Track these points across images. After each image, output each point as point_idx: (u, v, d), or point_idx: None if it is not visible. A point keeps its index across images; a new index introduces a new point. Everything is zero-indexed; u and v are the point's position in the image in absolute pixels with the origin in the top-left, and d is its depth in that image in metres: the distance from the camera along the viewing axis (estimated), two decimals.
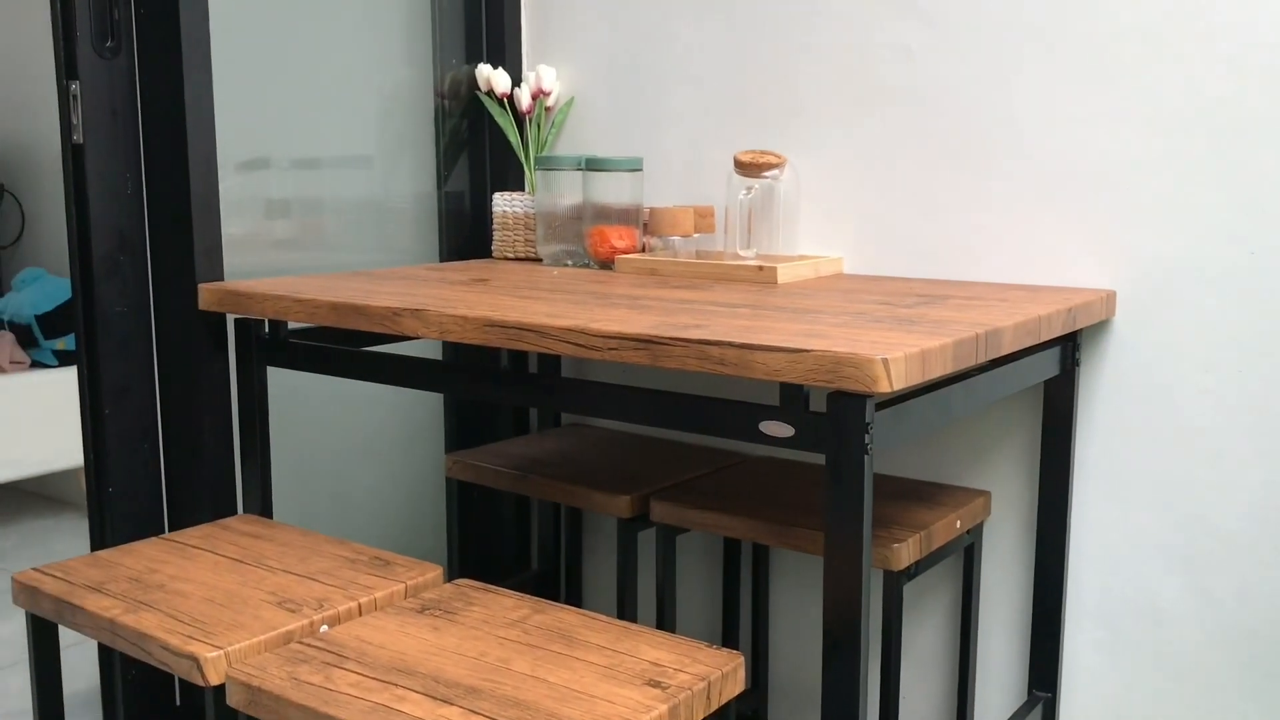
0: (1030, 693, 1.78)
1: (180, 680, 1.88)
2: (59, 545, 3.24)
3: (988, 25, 1.73)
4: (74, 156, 1.79)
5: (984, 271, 1.78)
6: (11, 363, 3.26)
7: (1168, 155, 1.62)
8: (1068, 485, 1.72)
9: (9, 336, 3.30)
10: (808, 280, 1.79)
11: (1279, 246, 1.55)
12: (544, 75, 2.14)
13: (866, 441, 1.19)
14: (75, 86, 1.76)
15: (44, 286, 3.39)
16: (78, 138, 1.77)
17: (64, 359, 3.34)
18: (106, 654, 1.66)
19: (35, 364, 3.34)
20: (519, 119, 2.16)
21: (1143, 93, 1.63)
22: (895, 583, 1.57)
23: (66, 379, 3.21)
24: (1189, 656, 1.68)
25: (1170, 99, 1.61)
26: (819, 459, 1.92)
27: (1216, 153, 1.58)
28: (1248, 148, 1.56)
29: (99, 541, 1.85)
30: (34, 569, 1.50)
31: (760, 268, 1.75)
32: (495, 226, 2.15)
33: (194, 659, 1.25)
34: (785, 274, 1.75)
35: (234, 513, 1.85)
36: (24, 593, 1.47)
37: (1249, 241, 1.57)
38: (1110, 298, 1.66)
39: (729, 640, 2.06)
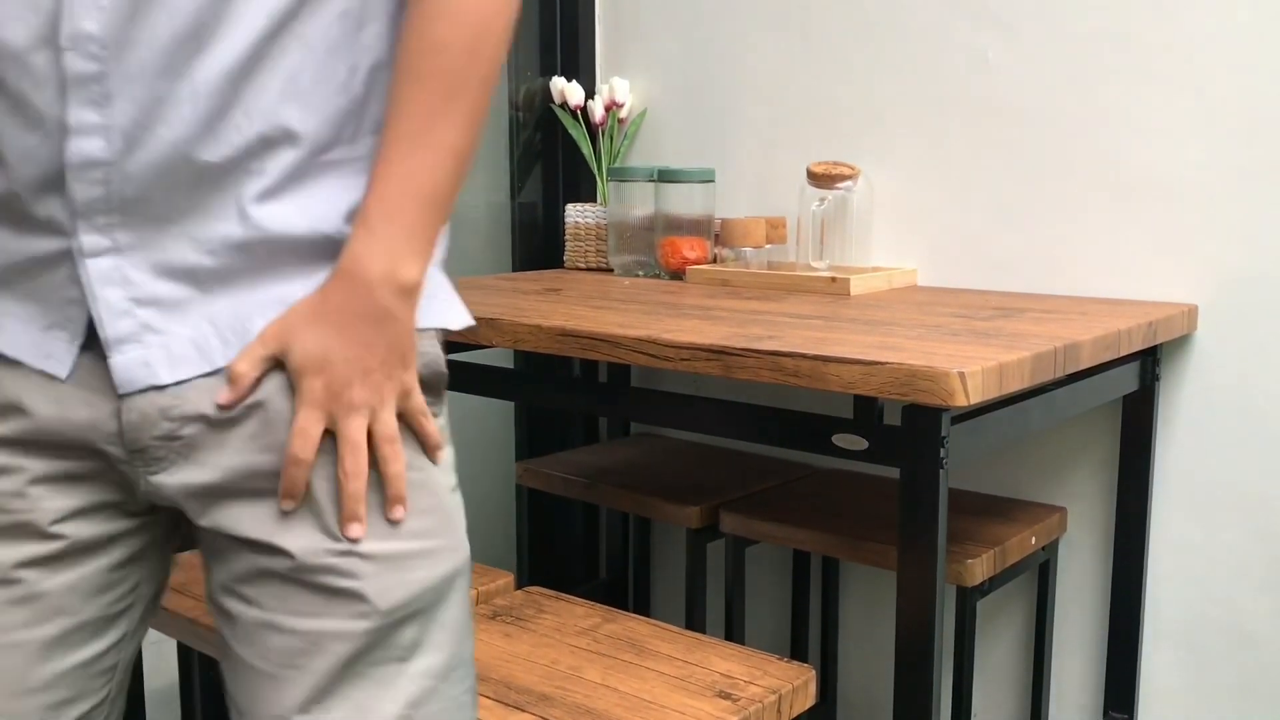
0: (1106, 713, 1.75)
1: None
2: None
3: (1067, 34, 1.71)
4: None
5: (1062, 284, 1.75)
6: None
7: (1251, 167, 1.58)
8: (1146, 502, 1.69)
9: None
10: (881, 292, 1.77)
11: None
12: (617, 88, 2.15)
13: (942, 456, 1.18)
14: None
15: None
16: None
17: None
18: (185, 653, 1.69)
19: None
20: (592, 131, 2.18)
21: (1226, 103, 1.59)
22: (968, 599, 1.55)
23: None
24: (1275, 678, 1.63)
25: (1254, 110, 1.57)
26: (891, 472, 1.90)
27: None
28: None
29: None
30: None
31: (833, 279, 1.74)
32: (567, 237, 2.16)
33: None
34: (858, 285, 1.74)
35: None
36: None
37: None
38: (1192, 312, 1.63)
39: (798, 653, 2.05)
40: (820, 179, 1.84)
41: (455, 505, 0.87)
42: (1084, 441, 1.77)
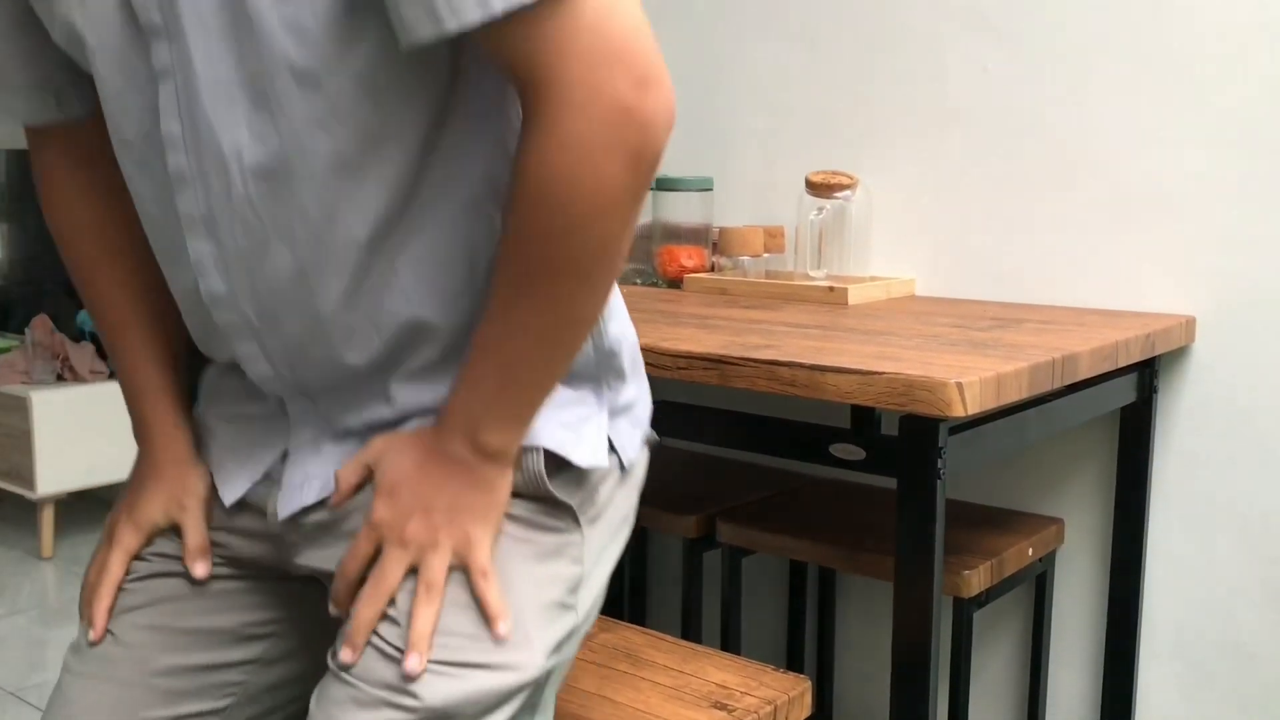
0: None
1: None
2: None
3: (1066, 45, 1.71)
4: None
5: (1060, 295, 1.75)
6: (92, 372, 3.34)
7: (1250, 179, 1.58)
8: (1144, 514, 1.68)
9: (89, 347, 3.39)
10: (879, 302, 1.77)
11: None
12: None
13: (939, 466, 1.18)
14: None
15: None
16: None
17: None
18: None
19: (114, 374, 3.42)
20: None
21: (1225, 115, 1.59)
22: (965, 610, 1.55)
23: None
24: (1273, 694, 1.63)
25: (1253, 122, 1.57)
26: (889, 482, 1.89)
27: None
28: None
29: None
30: None
31: (831, 288, 1.74)
32: None
33: None
34: (856, 295, 1.74)
35: None
36: None
37: None
38: (1190, 323, 1.62)
39: (794, 664, 2.04)
40: (818, 188, 1.83)
41: (537, 623, 0.86)
42: (1081, 453, 1.77)
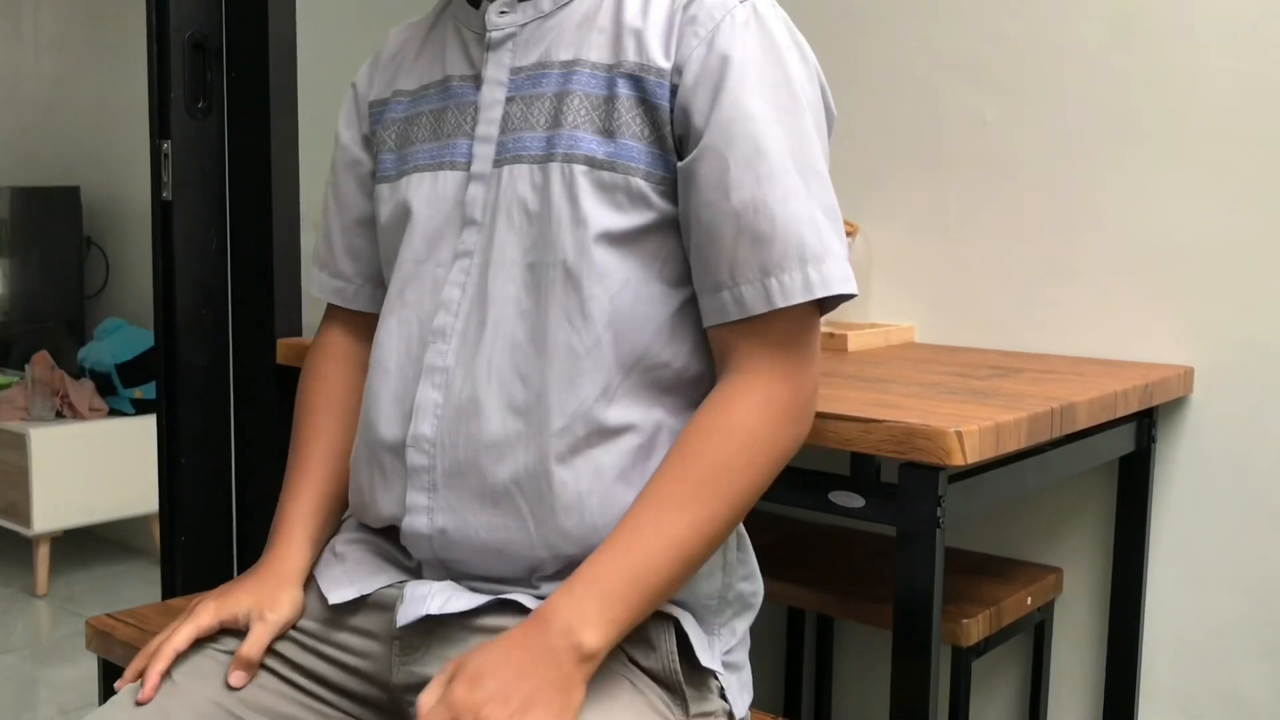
0: None
1: None
2: (129, 591, 3.29)
3: (1065, 97, 1.73)
4: (163, 213, 1.84)
5: (1059, 345, 1.76)
6: (91, 409, 3.34)
7: (1248, 231, 1.59)
8: (1143, 565, 1.68)
9: (89, 384, 3.39)
10: (878, 349, 1.78)
11: None
12: None
13: (938, 514, 1.18)
14: (167, 145, 1.82)
15: (124, 336, 3.48)
16: (167, 195, 1.83)
17: (141, 407, 3.41)
18: None
19: (113, 411, 3.42)
20: None
21: (1222, 168, 1.61)
22: (964, 659, 1.54)
23: (143, 427, 3.28)
24: None
25: (1249, 175, 1.59)
26: (889, 529, 1.89)
27: None
28: None
29: (169, 590, 1.88)
30: (108, 615, 1.52)
31: (831, 335, 1.74)
32: None
33: None
34: (856, 342, 1.74)
35: None
36: (97, 637, 1.49)
37: None
38: (1188, 374, 1.63)
39: (791, 711, 2.03)
40: None
41: None
42: (1081, 502, 1.77)
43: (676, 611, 1.01)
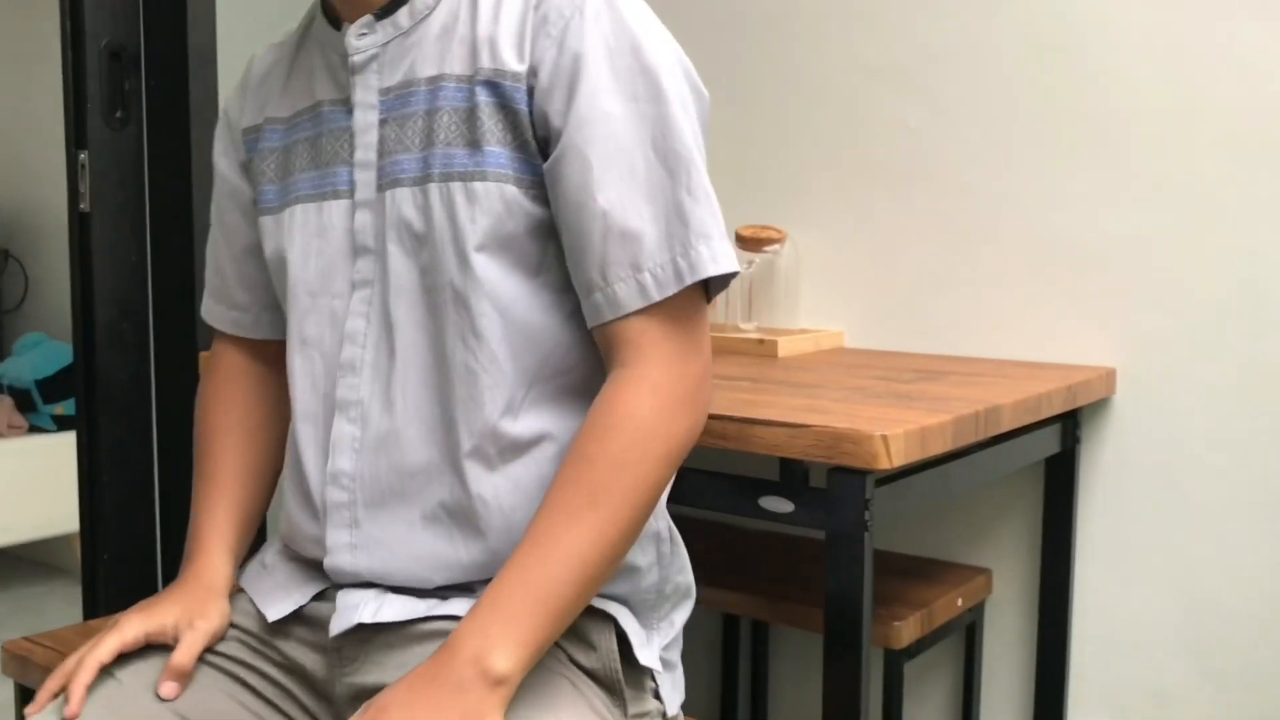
0: None
1: None
2: (51, 613, 3.20)
3: (987, 104, 1.76)
4: (80, 224, 1.80)
5: (984, 347, 1.78)
6: (10, 427, 3.26)
7: (1165, 233, 1.63)
8: (1070, 564, 1.71)
9: (8, 401, 3.31)
10: (808, 354, 1.79)
11: (1277, 323, 1.56)
12: None
13: (866, 518, 1.18)
14: (84, 156, 1.78)
15: (44, 351, 3.40)
16: (85, 206, 1.79)
17: (62, 424, 3.33)
18: None
19: (34, 428, 3.33)
20: None
21: (1141, 172, 1.64)
22: (896, 661, 1.55)
23: (64, 444, 3.20)
24: None
25: (1166, 178, 1.62)
26: (819, 533, 1.90)
27: (1213, 231, 1.59)
28: (1244, 226, 1.57)
29: (91, 610, 1.84)
30: (24, 638, 1.48)
31: (761, 341, 1.75)
32: None
33: None
34: (786, 347, 1.75)
35: None
36: (13, 662, 1.45)
37: (1248, 319, 1.58)
38: (1110, 375, 1.66)
39: (727, 717, 2.03)
40: (748, 242, 1.85)
41: None
42: (1008, 503, 1.79)
43: (615, 609, 1.01)
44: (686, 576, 1.12)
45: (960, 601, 1.65)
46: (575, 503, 0.89)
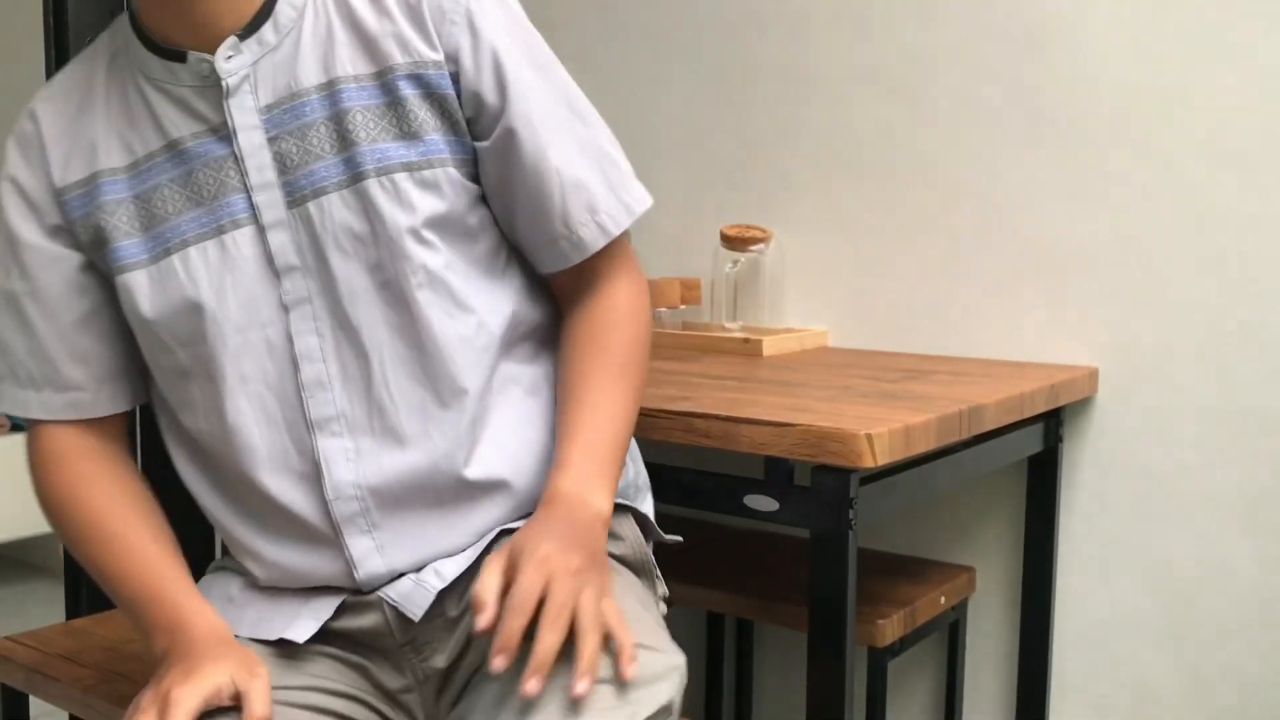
0: None
1: None
2: (33, 612, 3.19)
3: (970, 106, 1.76)
4: None
5: (968, 347, 1.79)
6: None
7: (1147, 236, 1.64)
8: (1052, 562, 1.72)
9: None
10: (793, 353, 1.79)
11: (1257, 323, 1.57)
12: None
13: (850, 516, 1.19)
14: None
15: None
16: None
17: None
18: None
19: (16, 426, 3.32)
20: None
21: (1122, 175, 1.65)
22: (879, 659, 1.56)
23: None
24: None
25: (1150, 181, 1.63)
26: (804, 531, 1.91)
27: (1196, 233, 1.60)
28: (1226, 229, 1.58)
29: (74, 609, 1.83)
30: (6, 637, 1.48)
31: (746, 340, 1.76)
32: None
33: None
34: (771, 347, 1.76)
35: None
36: None
37: (1228, 320, 1.59)
38: (1093, 375, 1.67)
39: (712, 715, 2.03)
40: (733, 242, 1.86)
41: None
42: (991, 502, 1.80)
43: (631, 500, 1.13)
44: (642, 471, 1.21)
45: (943, 600, 1.66)
46: (611, 374, 1.05)
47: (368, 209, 0.99)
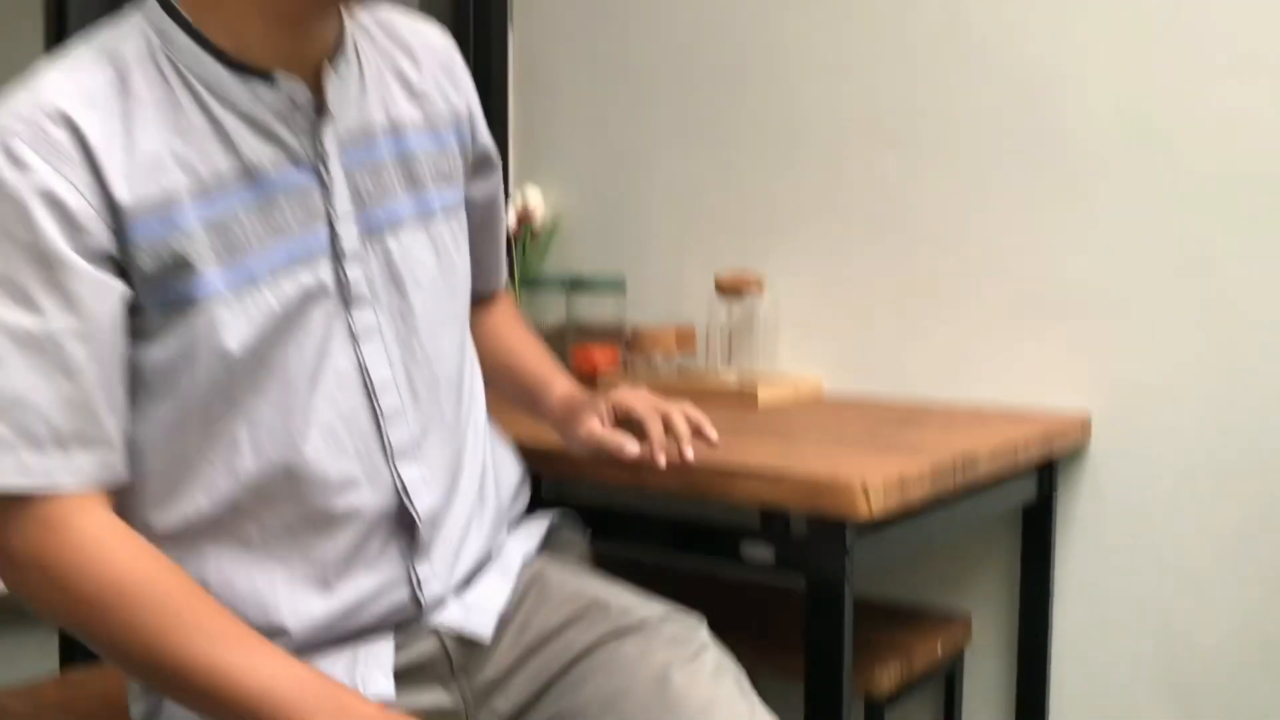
0: None
1: None
2: (26, 663, 3.16)
3: (962, 155, 1.78)
4: None
5: (961, 394, 1.80)
6: None
7: (1139, 283, 1.65)
8: (1048, 609, 1.71)
9: None
10: (787, 400, 1.80)
11: (1249, 371, 1.58)
12: (530, 197, 2.18)
13: (847, 567, 1.19)
14: None
15: None
16: None
17: None
18: None
19: None
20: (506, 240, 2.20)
21: (1115, 223, 1.67)
22: (876, 709, 1.55)
23: None
24: None
25: (1142, 230, 1.65)
26: (800, 581, 1.90)
27: (1187, 278, 1.62)
28: (1217, 274, 1.60)
29: (68, 660, 1.82)
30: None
31: (741, 388, 1.76)
32: None
33: None
34: (766, 394, 1.76)
35: None
36: None
37: (1221, 368, 1.60)
38: (1086, 422, 1.68)
39: None
40: (727, 289, 1.87)
41: None
42: (987, 550, 1.80)
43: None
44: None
45: (940, 648, 1.66)
46: (543, 350, 1.35)
47: (438, 247, 1.08)
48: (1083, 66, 1.68)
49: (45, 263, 0.86)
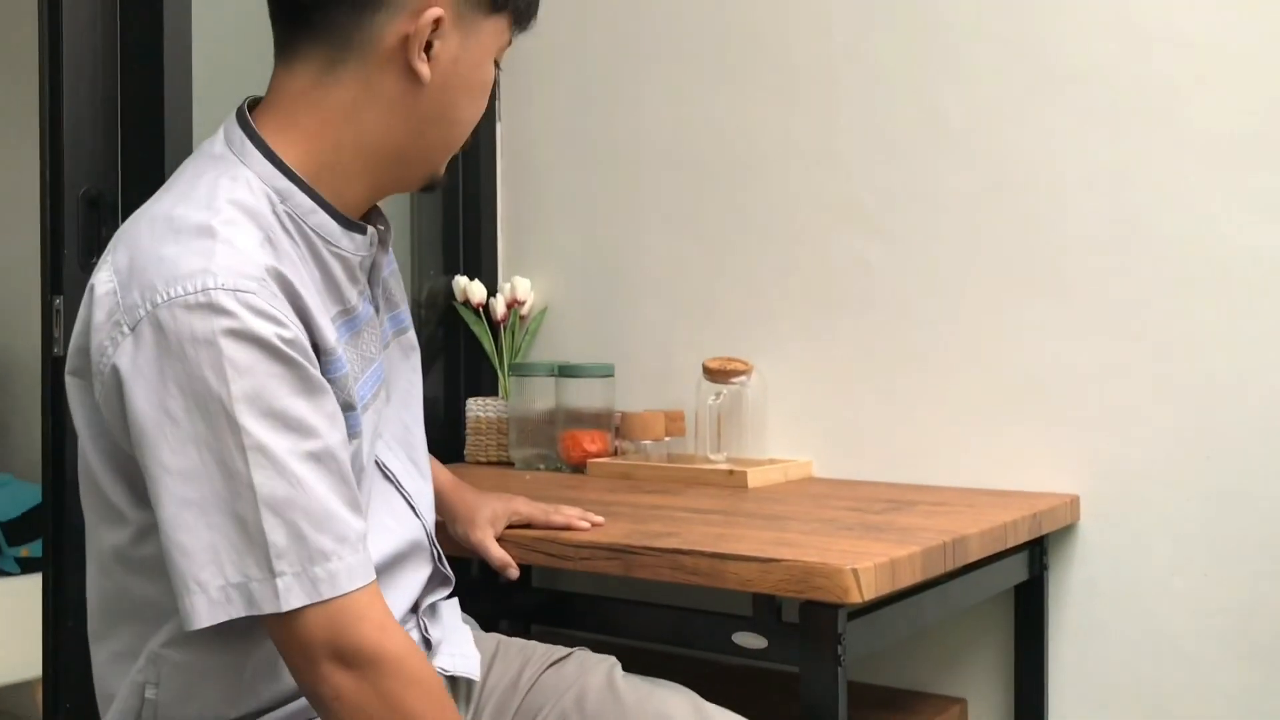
0: None
1: None
2: None
3: (944, 241, 1.81)
4: (53, 368, 1.80)
5: (950, 476, 1.80)
6: None
7: (1120, 364, 1.67)
8: (1043, 691, 1.70)
9: None
10: (777, 484, 1.81)
11: (1232, 450, 1.59)
12: (519, 285, 2.20)
13: (839, 652, 1.19)
14: (59, 301, 1.80)
15: (11, 492, 3.35)
16: (58, 350, 1.80)
17: (26, 566, 3.27)
18: None
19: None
20: (494, 327, 2.22)
21: (1093, 306, 1.69)
22: None
23: (29, 587, 3.13)
24: None
25: (1120, 312, 1.67)
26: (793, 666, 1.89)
27: (1172, 360, 1.64)
28: (1197, 356, 1.62)
29: None
30: None
31: (731, 472, 1.77)
32: (469, 431, 2.17)
33: None
34: (755, 478, 1.77)
35: None
36: None
37: (1204, 446, 1.61)
38: (1074, 502, 1.68)
39: None
40: (715, 374, 1.89)
41: None
42: (980, 632, 1.80)
43: None
44: None
45: None
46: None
47: (407, 350, 1.30)
48: (1057, 152, 1.72)
49: (308, 392, 0.95)
